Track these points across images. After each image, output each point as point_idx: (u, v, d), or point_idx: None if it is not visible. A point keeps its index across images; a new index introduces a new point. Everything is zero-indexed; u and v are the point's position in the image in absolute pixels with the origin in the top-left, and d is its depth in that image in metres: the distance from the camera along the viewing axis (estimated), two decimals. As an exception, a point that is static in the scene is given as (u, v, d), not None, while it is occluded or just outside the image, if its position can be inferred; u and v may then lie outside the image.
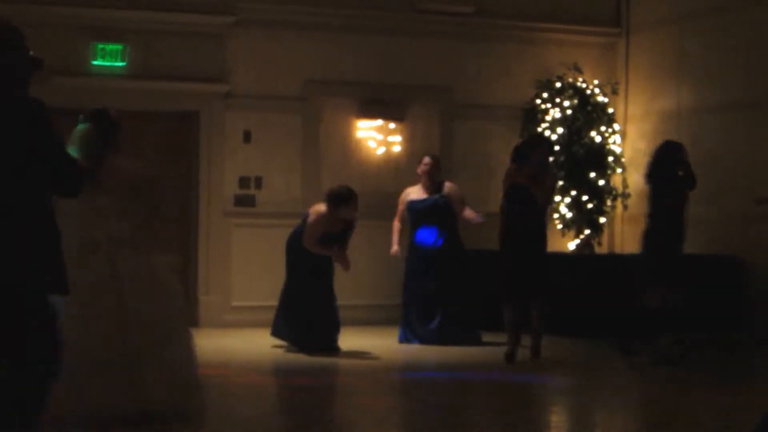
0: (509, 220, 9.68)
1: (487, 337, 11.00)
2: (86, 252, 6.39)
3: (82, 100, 10.91)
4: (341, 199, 10.21)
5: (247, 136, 12.85)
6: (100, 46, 12.21)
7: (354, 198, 10.25)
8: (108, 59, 12.26)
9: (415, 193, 11.31)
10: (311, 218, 10.32)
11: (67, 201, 4.87)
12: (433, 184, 11.20)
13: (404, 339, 11.14)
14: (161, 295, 6.60)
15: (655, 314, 9.72)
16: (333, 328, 10.40)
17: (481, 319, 11.16)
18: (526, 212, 9.62)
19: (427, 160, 11.30)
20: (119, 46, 12.30)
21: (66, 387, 5.44)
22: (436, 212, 11.13)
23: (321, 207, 10.36)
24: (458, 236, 11.28)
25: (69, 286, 4.24)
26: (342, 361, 9.91)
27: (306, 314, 10.28)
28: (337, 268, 10.55)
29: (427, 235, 11.16)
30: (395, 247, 11.33)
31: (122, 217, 6.55)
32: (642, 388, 8.76)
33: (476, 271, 11.24)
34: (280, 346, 10.57)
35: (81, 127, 6.51)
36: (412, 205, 11.24)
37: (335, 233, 10.30)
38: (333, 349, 10.29)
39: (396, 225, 11.41)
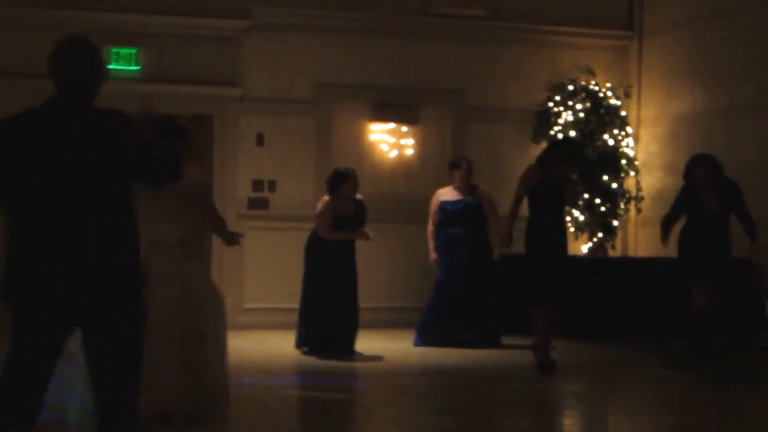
0: (536, 221, 9.58)
1: (507, 340, 11.00)
2: None
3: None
4: (339, 177, 10.40)
5: (260, 139, 12.89)
6: (114, 50, 12.26)
7: (351, 174, 10.44)
8: (122, 63, 12.31)
9: (447, 194, 11.31)
10: (318, 209, 10.43)
11: None
12: (467, 187, 11.21)
13: (419, 342, 11.16)
14: (194, 300, 6.64)
15: (703, 316, 9.73)
16: (351, 332, 10.41)
17: (504, 322, 11.15)
18: (552, 214, 9.58)
19: (464, 165, 11.23)
20: (133, 50, 12.35)
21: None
22: (468, 214, 11.13)
23: (325, 198, 10.50)
24: (489, 240, 11.28)
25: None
26: (357, 365, 9.92)
27: (325, 317, 10.30)
28: (360, 269, 10.57)
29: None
30: (434, 255, 11.20)
31: (174, 222, 6.61)
32: (656, 392, 8.75)
33: (504, 274, 11.23)
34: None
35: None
36: (445, 205, 11.22)
37: (348, 216, 10.40)
38: (349, 353, 10.32)
39: (430, 228, 11.30)
